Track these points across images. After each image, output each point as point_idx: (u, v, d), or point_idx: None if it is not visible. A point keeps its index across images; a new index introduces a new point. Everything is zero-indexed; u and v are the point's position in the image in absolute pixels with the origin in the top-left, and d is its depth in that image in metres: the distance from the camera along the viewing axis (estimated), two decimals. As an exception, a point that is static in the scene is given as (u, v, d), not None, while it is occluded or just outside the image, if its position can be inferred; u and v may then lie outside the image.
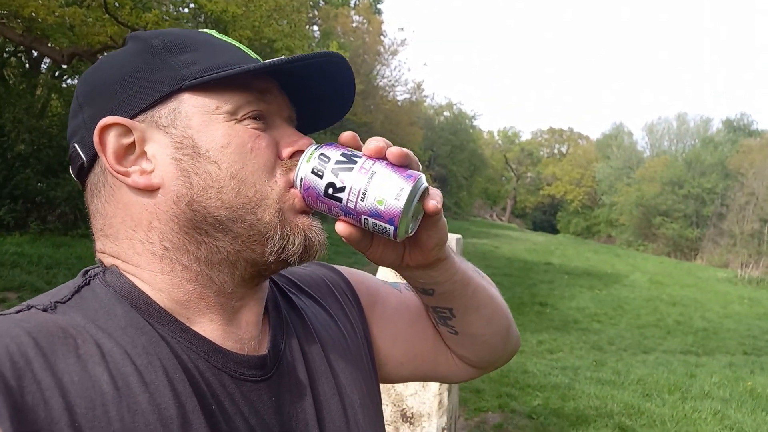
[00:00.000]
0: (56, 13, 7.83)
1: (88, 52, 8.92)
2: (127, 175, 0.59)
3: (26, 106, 10.12)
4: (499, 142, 56.09)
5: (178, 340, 0.58)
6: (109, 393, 0.50)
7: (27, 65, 11.94)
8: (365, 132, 24.33)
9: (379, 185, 0.57)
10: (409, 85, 32.46)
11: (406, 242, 0.65)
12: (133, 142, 0.59)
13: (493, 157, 48.35)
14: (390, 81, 28.54)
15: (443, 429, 3.17)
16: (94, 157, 0.61)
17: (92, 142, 0.59)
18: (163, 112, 0.59)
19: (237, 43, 0.65)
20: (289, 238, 0.60)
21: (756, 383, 6.34)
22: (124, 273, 0.60)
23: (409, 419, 3.18)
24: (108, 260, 0.61)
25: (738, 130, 40.80)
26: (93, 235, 0.64)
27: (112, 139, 0.59)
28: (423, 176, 0.59)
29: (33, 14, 7.33)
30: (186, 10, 11.54)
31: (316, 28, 21.51)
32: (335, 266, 0.85)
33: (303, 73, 0.64)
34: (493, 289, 0.82)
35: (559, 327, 9.45)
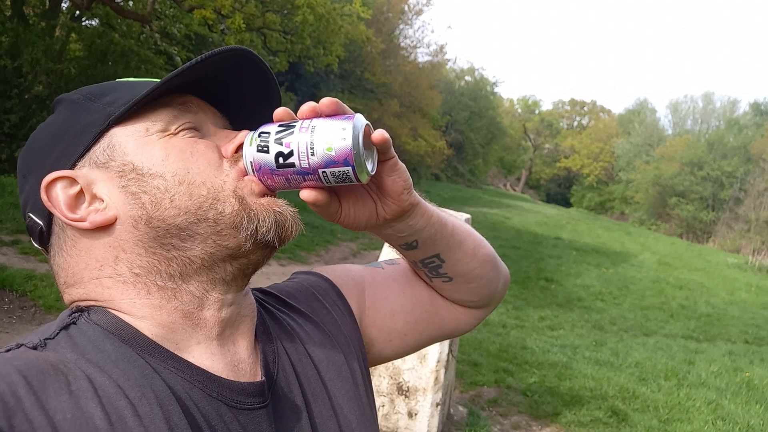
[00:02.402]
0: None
1: (107, -3, 8.81)
2: (83, 220, 0.59)
3: (44, 47, 10.07)
4: (519, 110, 55.24)
5: (170, 370, 0.57)
6: (103, 428, 0.50)
7: (47, 4, 11.82)
8: (383, 93, 24.09)
9: (322, 135, 0.58)
10: (431, 47, 31.93)
11: (376, 196, 0.66)
12: (81, 190, 0.60)
13: (511, 126, 47.63)
14: (412, 42, 28.02)
15: (437, 404, 3.23)
16: (50, 219, 0.62)
17: (43, 205, 0.60)
18: (98, 151, 0.60)
19: (155, 80, 0.65)
20: (258, 219, 0.61)
21: (754, 374, 6.36)
22: (108, 309, 0.60)
23: (404, 392, 3.24)
24: (84, 305, 0.61)
25: (765, 113, 39.73)
26: (60, 294, 0.64)
27: (59, 193, 0.60)
28: (360, 115, 0.61)
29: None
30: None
31: (340, -18, 21.03)
32: (318, 271, 0.84)
33: (215, 79, 0.65)
34: (464, 224, 0.82)
35: (563, 304, 9.48)
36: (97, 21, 12.00)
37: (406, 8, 26.76)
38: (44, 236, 0.63)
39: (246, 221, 0.60)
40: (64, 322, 0.58)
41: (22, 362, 0.50)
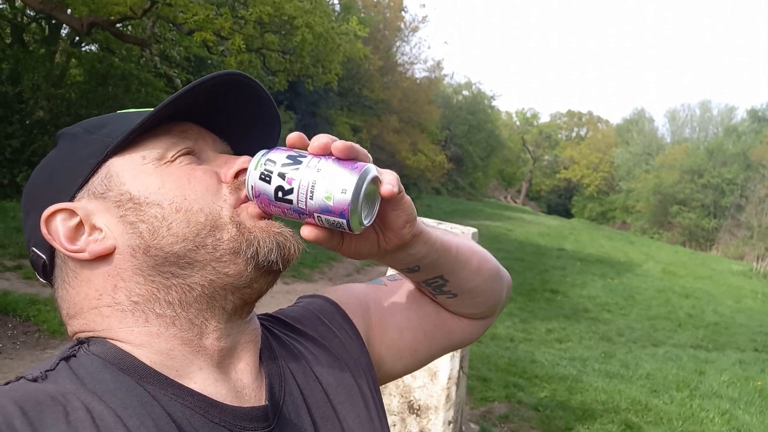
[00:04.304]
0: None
1: (107, 22, 8.90)
2: (83, 251, 0.59)
3: (45, 72, 10.14)
4: (517, 123, 55.49)
5: (170, 397, 0.56)
6: None
7: (47, 31, 11.93)
8: (382, 109, 24.22)
9: (325, 181, 0.57)
10: (428, 63, 32.16)
11: (378, 228, 0.65)
12: (80, 221, 0.60)
13: (510, 139, 47.82)
14: (409, 58, 28.23)
15: (449, 422, 3.18)
16: (52, 253, 0.62)
17: (44, 239, 0.60)
18: (97, 182, 0.61)
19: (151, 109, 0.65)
20: (258, 241, 0.60)
21: (766, 383, 6.29)
22: (107, 339, 0.59)
23: (416, 411, 3.19)
24: (84, 336, 0.61)
25: (763, 120, 39.86)
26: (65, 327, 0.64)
27: (58, 225, 0.60)
28: (371, 165, 0.59)
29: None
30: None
31: (336, 1, 21.24)
32: (322, 293, 0.83)
33: (213, 106, 0.65)
34: (469, 241, 0.81)
35: (569, 315, 9.42)
36: (96, 46, 12.10)
37: (402, 25, 27.00)
38: (48, 270, 0.63)
39: (245, 245, 0.59)
40: (64, 354, 0.58)
41: (19, 394, 0.50)
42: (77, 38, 11.85)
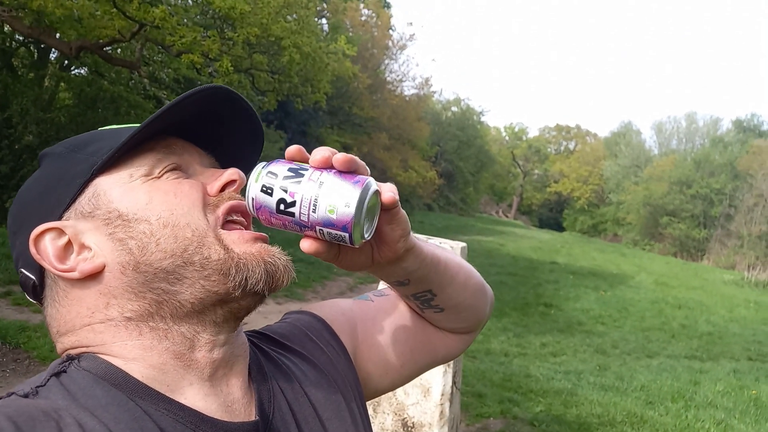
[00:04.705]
0: (64, 6, 7.80)
1: (96, 45, 8.92)
2: (72, 270, 0.59)
3: (34, 97, 10.13)
4: (506, 138, 55.85)
5: (162, 412, 0.56)
6: None
7: (36, 55, 11.94)
8: (372, 126, 24.32)
9: (328, 194, 0.58)
10: (417, 80, 32.37)
11: (372, 242, 0.66)
12: (69, 241, 0.60)
13: (500, 154, 48.10)
14: (398, 76, 28.45)
15: (444, 439, 3.15)
16: (41, 273, 0.62)
17: (34, 259, 0.60)
18: (84, 201, 0.61)
19: (137, 125, 0.66)
20: (248, 269, 0.60)
21: (761, 392, 6.30)
22: (98, 355, 0.59)
23: (409, 429, 3.17)
24: (74, 352, 0.61)
25: (748, 130, 40.40)
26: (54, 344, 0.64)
27: (47, 245, 0.60)
28: (371, 180, 0.60)
29: (41, 6, 7.30)
30: (191, 2, 11.48)
31: (324, 21, 21.44)
32: (309, 310, 0.83)
33: (197, 121, 0.65)
34: (456, 256, 0.83)
35: (563, 329, 9.41)
36: (85, 69, 12.12)
37: (390, 44, 27.24)
38: (37, 290, 0.63)
39: (234, 270, 0.60)
40: (54, 370, 0.57)
41: (12, 409, 0.50)
42: (66, 62, 11.87)
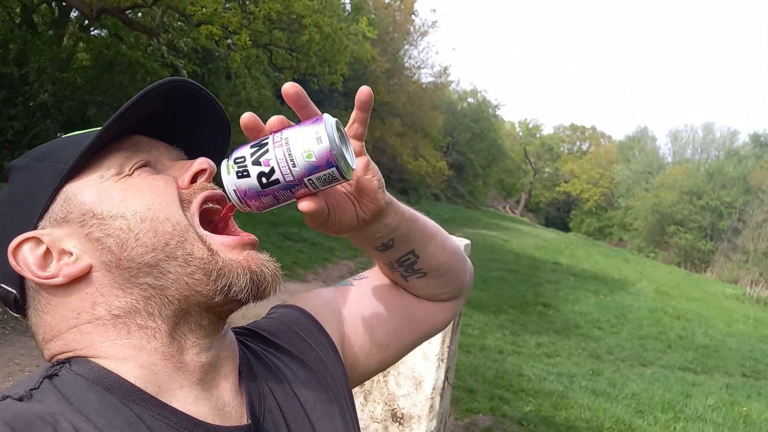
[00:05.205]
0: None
1: (117, 9, 8.89)
2: (55, 276, 0.59)
3: (52, 56, 10.12)
4: (520, 133, 55.54)
5: (155, 417, 0.57)
6: None
7: (56, 13, 11.91)
8: (386, 112, 24.20)
9: (297, 144, 0.59)
10: (435, 68, 32.18)
11: (353, 198, 0.68)
12: (48, 249, 0.60)
13: (512, 149, 47.84)
14: (416, 62, 28.27)
15: (432, 433, 3.18)
16: (22, 286, 0.62)
17: (13, 271, 0.60)
18: (56, 208, 0.61)
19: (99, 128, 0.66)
20: (232, 276, 0.60)
21: (751, 409, 6.29)
22: (88, 359, 0.59)
23: (399, 419, 3.19)
24: (63, 357, 0.60)
25: (764, 145, 39.93)
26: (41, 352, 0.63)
27: (27, 255, 0.60)
28: (326, 114, 0.61)
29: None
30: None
31: (347, 1, 21.26)
32: (295, 303, 0.84)
33: (161, 116, 0.65)
34: (429, 218, 0.85)
35: (560, 330, 9.41)
36: (105, 31, 12.09)
37: (411, 29, 27.03)
38: (19, 303, 0.63)
39: (215, 274, 0.59)
40: (47, 372, 0.57)
41: (9, 414, 0.50)
42: (86, 22, 11.84)
